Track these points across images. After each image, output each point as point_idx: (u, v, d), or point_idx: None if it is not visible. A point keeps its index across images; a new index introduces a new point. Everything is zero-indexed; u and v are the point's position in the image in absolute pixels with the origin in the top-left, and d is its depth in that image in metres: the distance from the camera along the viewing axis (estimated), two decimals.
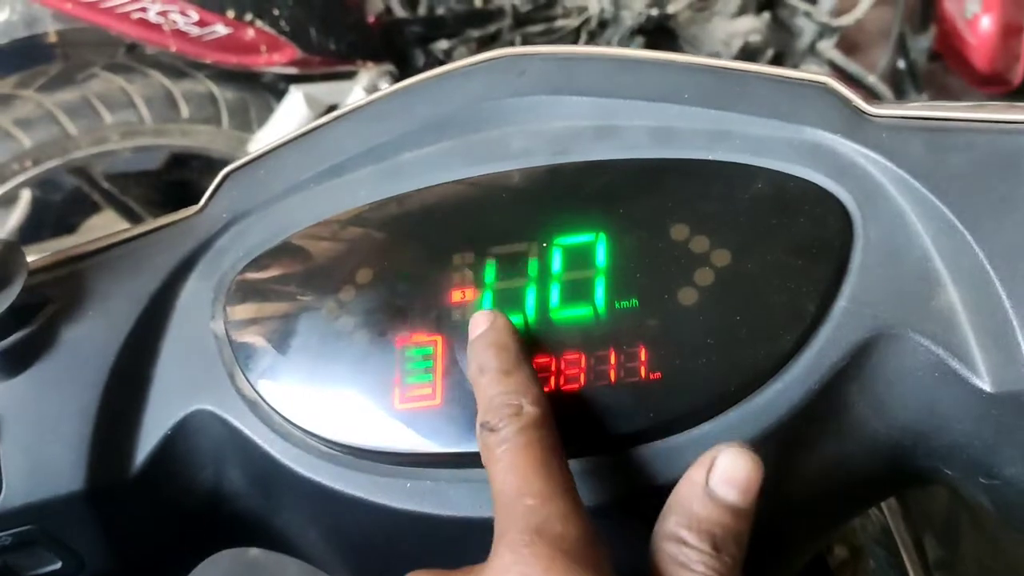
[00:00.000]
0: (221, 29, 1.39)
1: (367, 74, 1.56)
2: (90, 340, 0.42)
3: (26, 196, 1.72)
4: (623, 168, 0.42)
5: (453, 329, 0.40)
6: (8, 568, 0.42)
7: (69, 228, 1.84)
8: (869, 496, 0.43)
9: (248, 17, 1.39)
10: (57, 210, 1.86)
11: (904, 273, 0.37)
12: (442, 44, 1.60)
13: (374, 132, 0.45)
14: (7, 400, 0.41)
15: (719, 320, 0.38)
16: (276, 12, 1.41)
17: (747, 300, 0.38)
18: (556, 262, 0.41)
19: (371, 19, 1.54)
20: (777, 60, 1.77)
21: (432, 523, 0.38)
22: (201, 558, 0.46)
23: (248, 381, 0.41)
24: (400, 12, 1.58)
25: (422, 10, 1.64)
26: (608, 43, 1.65)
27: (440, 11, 1.62)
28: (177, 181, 1.89)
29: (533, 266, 0.41)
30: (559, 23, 1.65)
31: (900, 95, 1.89)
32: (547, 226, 0.41)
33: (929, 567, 0.59)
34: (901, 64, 1.98)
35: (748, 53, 1.72)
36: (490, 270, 0.41)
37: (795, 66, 1.64)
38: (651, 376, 0.37)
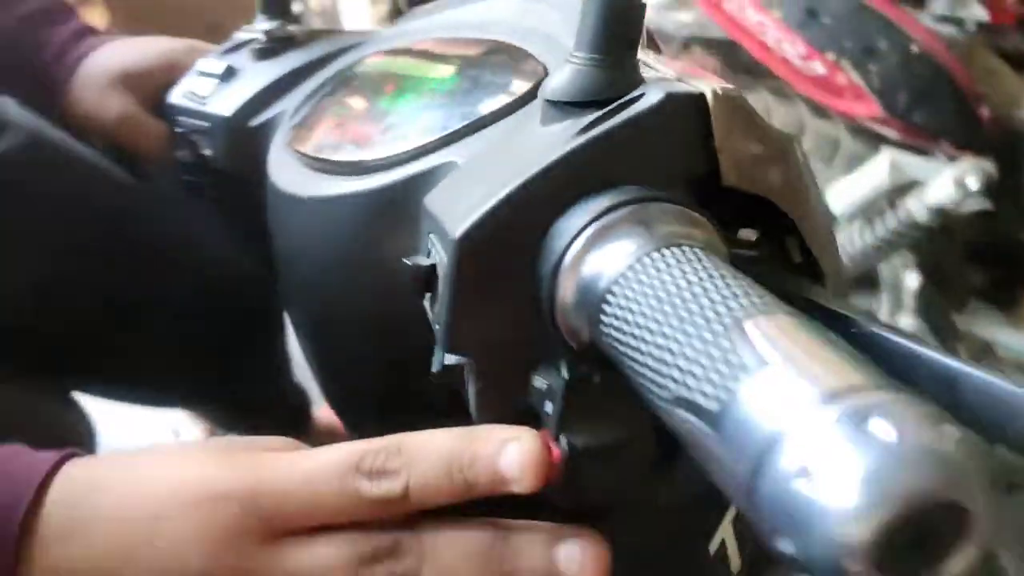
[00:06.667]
0: (819, 68, 1.47)
1: (961, 164, 1.47)
2: None
3: None
4: None
5: None
6: None
7: None
8: None
9: (844, 64, 1.45)
10: None
11: None
12: None
13: None
14: None
15: None
16: (872, 67, 1.43)
17: None
18: None
19: (984, 112, 1.43)
20: None
21: None
22: None
23: None
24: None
25: None
26: None
27: None
28: None
29: None
30: None
31: None
32: None
33: None
34: None
35: None
36: None
37: None
38: None
